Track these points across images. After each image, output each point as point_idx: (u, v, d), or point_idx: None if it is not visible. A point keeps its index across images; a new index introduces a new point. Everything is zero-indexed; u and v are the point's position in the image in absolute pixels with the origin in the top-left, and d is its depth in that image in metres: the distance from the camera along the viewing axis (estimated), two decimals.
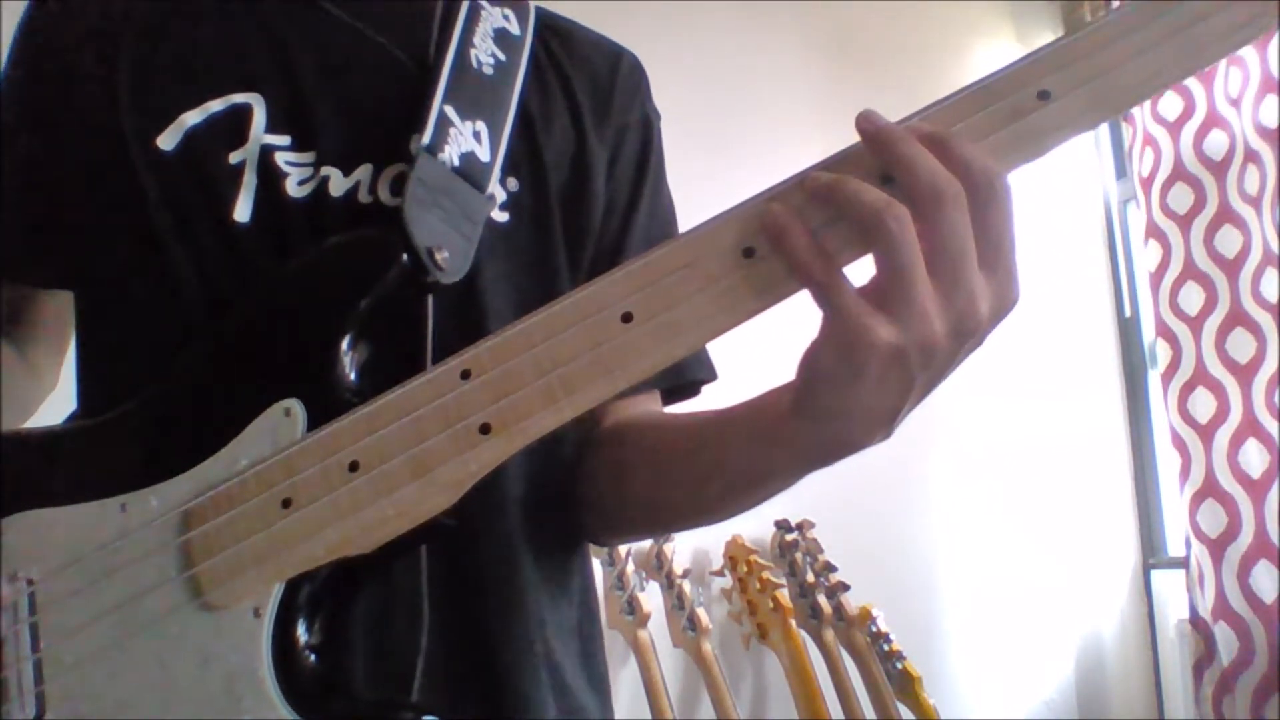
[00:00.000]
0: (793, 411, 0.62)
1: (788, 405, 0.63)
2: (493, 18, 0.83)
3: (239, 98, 0.75)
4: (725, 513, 0.76)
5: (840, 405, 0.59)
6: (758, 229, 0.59)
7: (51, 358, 0.90)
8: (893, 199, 0.55)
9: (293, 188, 0.74)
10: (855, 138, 0.59)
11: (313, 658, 0.64)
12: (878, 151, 0.57)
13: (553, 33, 0.88)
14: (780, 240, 0.58)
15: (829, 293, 0.56)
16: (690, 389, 0.88)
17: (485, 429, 0.61)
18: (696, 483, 0.75)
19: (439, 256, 0.69)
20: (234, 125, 0.75)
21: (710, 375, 0.88)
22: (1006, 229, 0.56)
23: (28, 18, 0.82)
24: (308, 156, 0.75)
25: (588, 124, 0.85)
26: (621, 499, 0.81)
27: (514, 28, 0.84)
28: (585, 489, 0.82)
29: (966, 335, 0.56)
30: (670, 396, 0.89)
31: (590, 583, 0.86)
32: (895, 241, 0.54)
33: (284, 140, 0.75)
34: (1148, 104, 2.73)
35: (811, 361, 0.59)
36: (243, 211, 0.74)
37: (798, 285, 0.58)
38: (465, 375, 0.62)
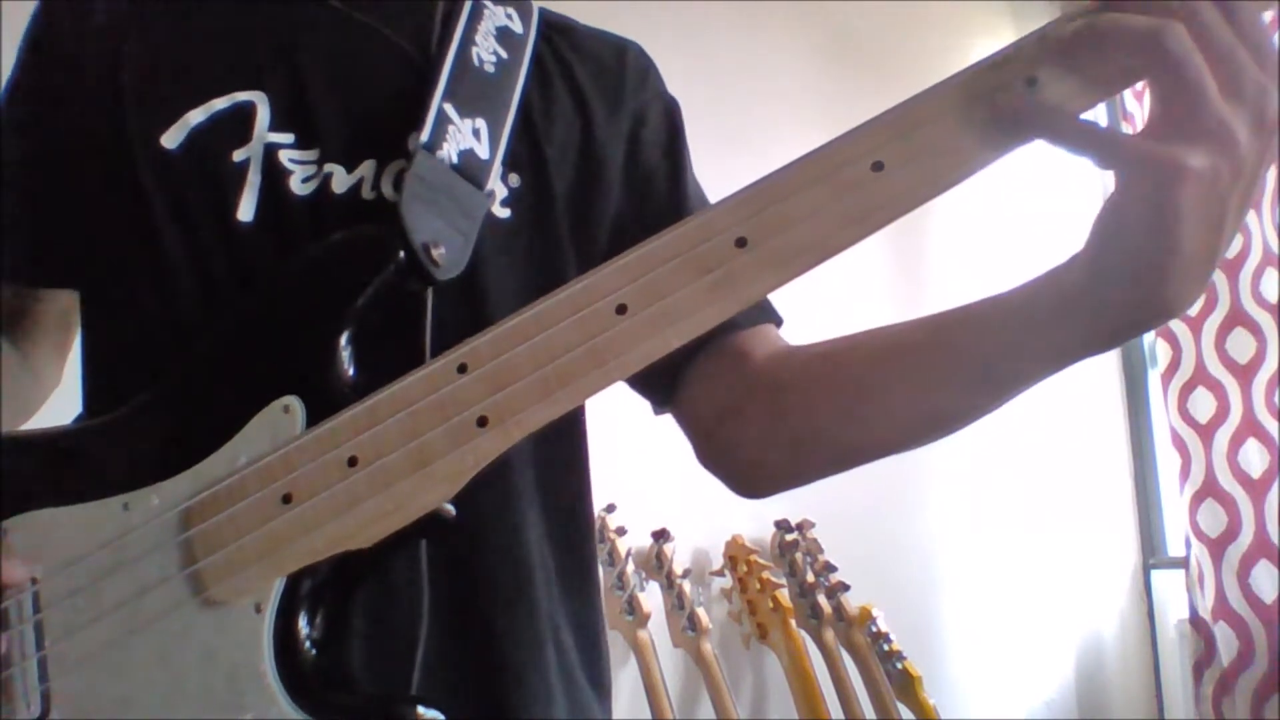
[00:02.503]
0: (1095, 281, 0.58)
1: (1086, 277, 0.59)
2: (495, 16, 0.83)
3: (243, 96, 0.76)
4: (950, 421, 0.73)
5: (1158, 255, 0.54)
6: (749, 217, 0.60)
7: (53, 357, 0.90)
8: (1159, 18, 0.53)
9: (296, 185, 0.75)
10: None
11: (314, 652, 0.64)
12: None
13: (556, 30, 0.89)
14: (1047, 121, 0.56)
15: (1118, 145, 0.54)
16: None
17: (482, 422, 0.62)
18: (925, 388, 0.71)
19: (435, 253, 0.70)
20: (238, 124, 0.75)
21: (777, 319, 0.85)
22: (1270, 37, 0.54)
23: (35, 17, 0.82)
24: (311, 154, 0.75)
25: (596, 115, 0.85)
26: (819, 428, 0.76)
27: (516, 26, 0.84)
28: (756, 431, 0.79)
29: (1265, 135, 0.54)
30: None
31: (596, 578, 0.86)
32: (1178, 57, 0.52)
33: (288, 138, 0.75)
34: (1147, 103, 2.73)
35: (1117, 219, 0.56)
36: (246, 210, 0.74)
37: (788, 276, 0.59)
38: (462, 369, 0.63)
